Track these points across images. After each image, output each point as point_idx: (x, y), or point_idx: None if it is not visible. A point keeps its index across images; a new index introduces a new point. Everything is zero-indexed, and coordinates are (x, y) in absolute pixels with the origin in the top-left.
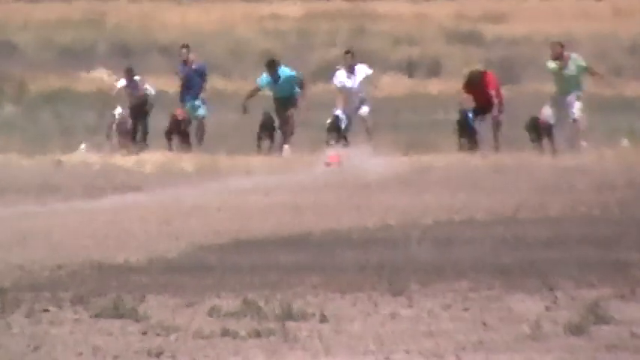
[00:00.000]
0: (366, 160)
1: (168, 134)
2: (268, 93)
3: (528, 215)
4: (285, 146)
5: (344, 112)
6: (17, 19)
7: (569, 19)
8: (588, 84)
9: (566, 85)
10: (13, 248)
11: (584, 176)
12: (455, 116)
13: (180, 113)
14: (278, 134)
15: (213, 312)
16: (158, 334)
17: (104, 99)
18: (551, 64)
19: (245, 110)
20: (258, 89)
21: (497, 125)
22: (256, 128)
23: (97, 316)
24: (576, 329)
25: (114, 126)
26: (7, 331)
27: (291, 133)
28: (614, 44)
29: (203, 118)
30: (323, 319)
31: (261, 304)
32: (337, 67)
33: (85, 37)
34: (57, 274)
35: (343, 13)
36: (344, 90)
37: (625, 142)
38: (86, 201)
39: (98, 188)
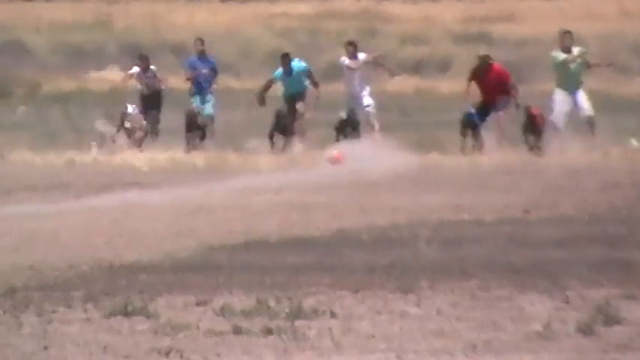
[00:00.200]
0: (374, 159)
1: (188, 131)
2: (279, 91)
3: (537, 215)
4: (298, 144)
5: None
6: (29, 20)
7: (575, 19)
8: (593, 81)
9: (572, 79)
10: (23, 248)
11: (592, 176)
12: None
13: (193, 108)
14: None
15: (223, 311)
16: (168, 333)
17: (115, 99)
18: (560, 56)
19: (261, 102)
20: (272, 82)
21: (500, 124)
22: (268, 126)
23: (107, 315)
24: (586, 329)
25: (125, 123)
26: (17, 331)
27: (304, 131)
28: (620, 44)
29: (212, 117)
30: (333, 317)
31: (272, 302)
32: (342, 58)
33: (96, 38)
34: (67, 273)
35: (353, 13)
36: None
37: (633, 141)
38: (96, 200)
39: (108, 187)
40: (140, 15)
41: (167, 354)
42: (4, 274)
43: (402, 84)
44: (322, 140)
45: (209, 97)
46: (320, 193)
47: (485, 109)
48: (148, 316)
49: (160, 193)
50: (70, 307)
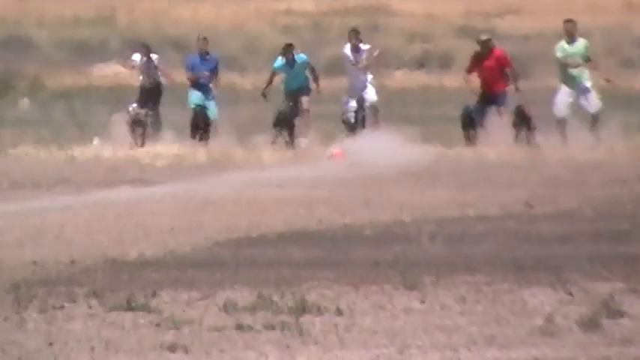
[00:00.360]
0: (378, 153)
1: (194, 127)
2: (281, 86)
3: (542, 210)
4: (303, 139)
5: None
6: (32, 16)
7: (580, 12)
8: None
9: (574, 75)
10: (27, 243)
11: (596, 171)
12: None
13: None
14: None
15: (227, 306)
16: (172, 328)
17: (118, 94)
18: (567, 48)
19: (266, 96)
20: (274, 74)
21: (502, 118)
22: (271, 122)
23: (110, 310)
24: (589, 323)
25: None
26: (21, 327)
27: (308, 126)
28: (625, 38)
29: (215, 120)
30: (337, 312)
31: (275, 298)
32: (344, 48)
33: (99, 33)
34: (71, 269)
35: (357, 9)
36: (349, 66)
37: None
38: (99, 195)
39: (111, 182)
40: (143, 10)
41: (171, 349)
42: (7, 270)
43: (407, 79)
44: (327, 135)
45: (210, 97)
46: (324, 189)
47: (485, 102)
48: (152, 312)
49: (164, 189)
50: (73, 302)
